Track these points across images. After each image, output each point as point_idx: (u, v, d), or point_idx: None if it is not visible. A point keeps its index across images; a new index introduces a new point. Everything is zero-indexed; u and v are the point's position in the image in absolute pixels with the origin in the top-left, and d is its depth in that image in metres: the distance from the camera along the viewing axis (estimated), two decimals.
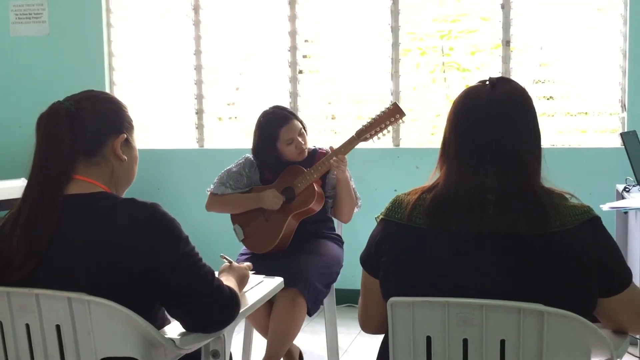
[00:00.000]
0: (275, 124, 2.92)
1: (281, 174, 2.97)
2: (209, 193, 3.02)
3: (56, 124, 1.53)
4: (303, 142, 2.94)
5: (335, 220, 3.18)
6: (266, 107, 3.04)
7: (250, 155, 3.05)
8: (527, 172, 1.45)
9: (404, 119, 2.90)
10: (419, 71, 4.39)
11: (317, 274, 2.78)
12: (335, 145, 2.94)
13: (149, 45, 4.60)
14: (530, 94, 1.53)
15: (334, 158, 2.86)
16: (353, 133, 2.91)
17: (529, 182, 1.44)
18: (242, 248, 3.04)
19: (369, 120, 2.90)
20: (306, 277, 2.72)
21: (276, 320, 2.74)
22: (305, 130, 2.99)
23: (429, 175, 1.55)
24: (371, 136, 2.88)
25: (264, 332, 2.86)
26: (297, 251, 2.88)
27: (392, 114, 2.87)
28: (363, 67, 4.29)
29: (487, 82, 1.52)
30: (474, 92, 1.52)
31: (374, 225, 1.58)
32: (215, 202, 3.00)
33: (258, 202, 2.92)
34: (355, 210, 3.03)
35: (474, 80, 1.65)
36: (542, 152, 1.51)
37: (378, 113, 2.90)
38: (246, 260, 2.88)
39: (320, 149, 3.05)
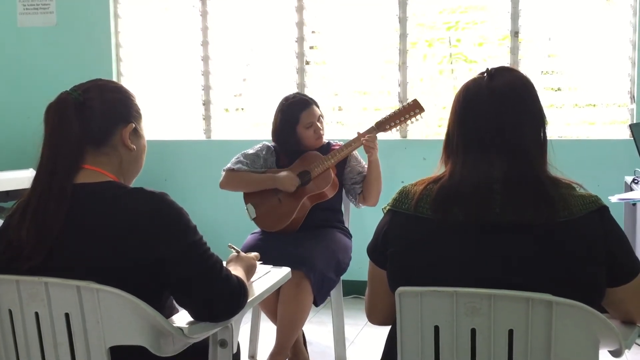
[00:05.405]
0: (297, 108, 3.01)
1: (298, 159, 3.03)
2: (224, 172, 3.04)
3: (64, 114, 1.53)
4: (321, 128, 3.03)
5: (344, 214, 3.20)
6: (283, 95, 3.13)
7: (268, 143, 3.13)
8: (532, 161, 1.45)
9: (422, 114, 3.01)
10: (426, 63, 4.37)
11: (325, 260, 2.80)
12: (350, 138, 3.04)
13: (156, 36, 4.60)
14: (533, 82, 1.52)
15: (366, 137, 2.94)
16: (372, 124, 3.03)
17: (535, 170, 1.44)
18: (256, 228, 3.07)
19: (389, 113, 3.02)
20: (312, 261, 2.74)
21: (283, 306, 2.77)
22: (323, 118, 3.08)
23: (436, 166, 1.56)
24: (390, 128, 3.01)
25: (274, 318, 2.89)
26: (305, 236, 2.90)
27: (412, 109, 3.00)
28: (370, 58, 4.27)
29: (485, 74, 1.52)
30: (473, 85, 1.52)
31: (381, 216, 1.58)
32: (231, 178, 3.03)
33: (274, 182, 2.96)
34: None
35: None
36: (547, 140, 1.50)
37: (398, 107, 3.05)
38: (257, 237, 2.94)
39: (334, 143, 3.10)
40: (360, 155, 3.11)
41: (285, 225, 2.94)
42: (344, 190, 3.11)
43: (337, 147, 3.05)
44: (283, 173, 2.97)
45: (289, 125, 3.01)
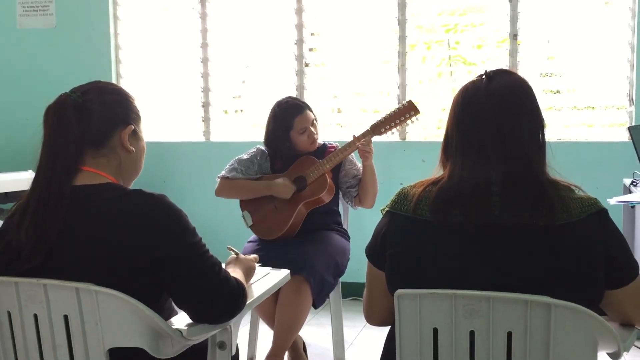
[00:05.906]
0: (290, 113, 2.98)
1: (293, 164, 3.00)
2: (219, 179, 3.03)
3: (63, 116, 1.53)
4: (315, 133, 3.00)
5: (342, 215, 3.19)
6: (279, 98, 3.09)
7: (262, 146, 3.09)
8: (531, 163, 1.45)
9: (418, 116, 2.98)
10: (425, 65, 4.38)
11: (324, 264, 2.80)
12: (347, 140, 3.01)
13: (156, 38, 4.60)
14: (531, 84, 1.53)
15: (362, 140, 2.92)
16: (367, 127, 2.99)
17: (533, 172, 1.44)
18: (252, 236, 3.06)
19: (384, 116, 2.98)
20: (311, 265, 2.73)
21: (281, 309, 2.75)
22: (316, 122, 3.05)
23: (435, 168, 1.56)
24: (385, 131, 2.97)
25: (270, 322, 2.87)
26: (303, 240, 2.89)
27: (407, 111, 2.96)
28: (369, 60, 4.28)
29: (484, 76, 1.52)
30: (471, 87, 1.52)
31: (379, 218, 1.58)
32: (226, 186, 3.01)
33: (269, 189, 2.94)
34: None
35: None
36: (546, 143, 1.50)
37: (393, 109, 2.99)
38: (254, 246, 2.91)
39: (329, 144, 3.09)
40: (355, 158, 3.11)
41: (281, 233, 2.93)
42: (340, 193, 3.10)
43: (333, 149, 3.03)
44: (278, 180, 2.94)
45: (282, 132, 2.98)
